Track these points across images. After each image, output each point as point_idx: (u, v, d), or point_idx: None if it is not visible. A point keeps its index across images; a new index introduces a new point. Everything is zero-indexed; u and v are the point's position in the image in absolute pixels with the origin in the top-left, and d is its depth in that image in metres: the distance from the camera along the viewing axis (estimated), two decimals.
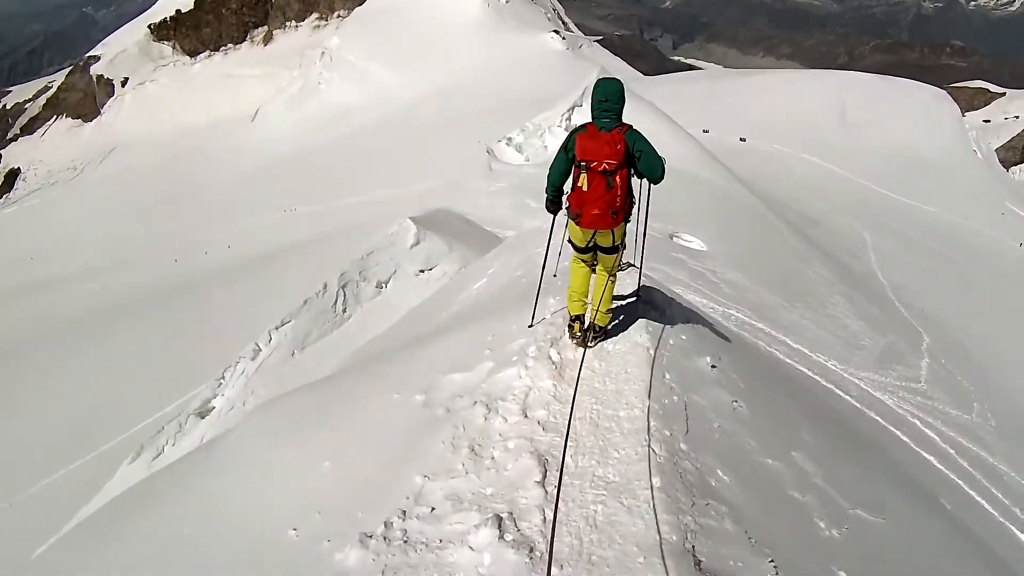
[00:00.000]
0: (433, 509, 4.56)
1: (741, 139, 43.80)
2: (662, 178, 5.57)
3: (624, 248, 6.08)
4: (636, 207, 5.97)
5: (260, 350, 15.10)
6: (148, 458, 13.37)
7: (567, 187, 5.89)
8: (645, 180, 5.78)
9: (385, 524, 4.49)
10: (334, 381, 8.91)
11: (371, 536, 4.42)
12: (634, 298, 7.34)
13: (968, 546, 6.64)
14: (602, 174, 5.47)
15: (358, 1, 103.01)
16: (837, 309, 16.29)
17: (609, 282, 6.10)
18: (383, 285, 16.58)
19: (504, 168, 30.92)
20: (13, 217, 76.46)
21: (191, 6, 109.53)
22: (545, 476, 4.59)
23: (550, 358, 6.00)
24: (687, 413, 5.32)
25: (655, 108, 30.99)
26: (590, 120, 5.67)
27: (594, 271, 6.31)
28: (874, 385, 12.43)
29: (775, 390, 7.71)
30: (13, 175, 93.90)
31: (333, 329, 15.60)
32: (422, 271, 16.65)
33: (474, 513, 4.39)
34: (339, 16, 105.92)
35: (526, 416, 5.32)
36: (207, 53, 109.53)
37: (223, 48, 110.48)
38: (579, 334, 6.28)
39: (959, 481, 9.95)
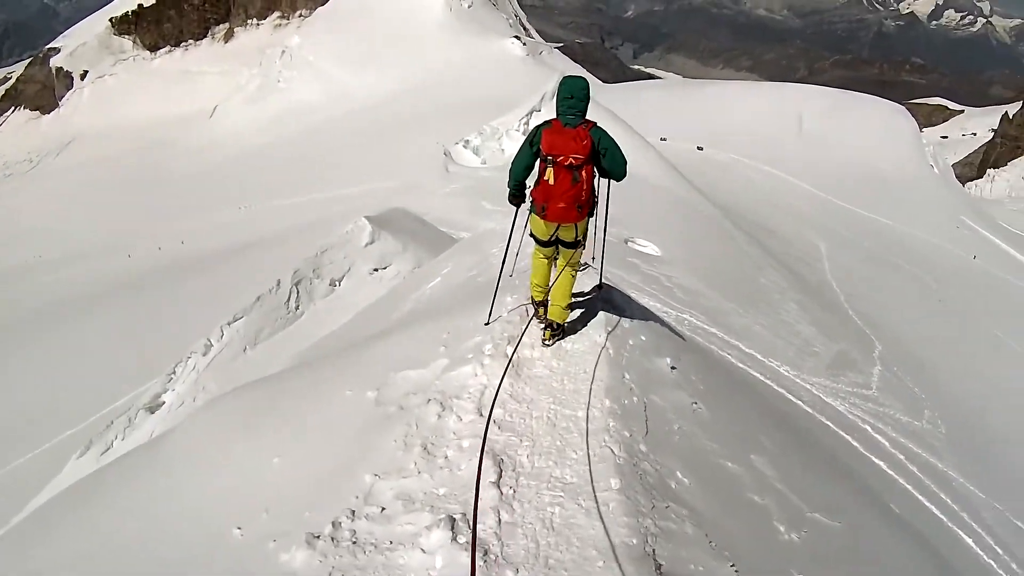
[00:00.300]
0: (383, 509, 4.40)
1: (699, 148, 44.21)
2: (624, 175, 5.61)
3: (583, 247, 6.04)
4: (596, 205, 5.92)
5: (211, 346, 14.96)
6: (97, 452, 13.25)
7: (530, 181, 5.82)
8: (605, 180, 5.83)
9: (333, 524, 4.32)
10: (285, 377, 8.75)
11: (318, 536, 4.25)
12: (592, 295, 7.30)
13: (919, 550, 6.66)
14: (568, 169, 5.46)
15: (320, 1, 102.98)
16: (790, 316, 16.43)
17: (569, 275, 6.11)
18: (336, 283, 16.52)
19: (460, 170, 31.00)
20: None
21: (153, 0, 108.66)
22: (500, 476, 4.47)
23: (507, 356, 5.90)
24: (647, 414, 5.25)
25: (613, 115, 31.19)
26: (555, 116, 5.64)
27: (555, 265, 6.25)
28: (826, 391, 12.52)
29: (733, 393, 7.71)
30: None
31: (285, 326, 15.50)
32: (376, 270, 16.59)
33: (426, 514, 4.25)
34: (301, 15, 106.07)
35: (481, 415, 5.19)
36: (167, 48, 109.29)
37: (183, 44, 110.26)
38: (543, 313, 6.30)
39: (909, 487, 10.07)
